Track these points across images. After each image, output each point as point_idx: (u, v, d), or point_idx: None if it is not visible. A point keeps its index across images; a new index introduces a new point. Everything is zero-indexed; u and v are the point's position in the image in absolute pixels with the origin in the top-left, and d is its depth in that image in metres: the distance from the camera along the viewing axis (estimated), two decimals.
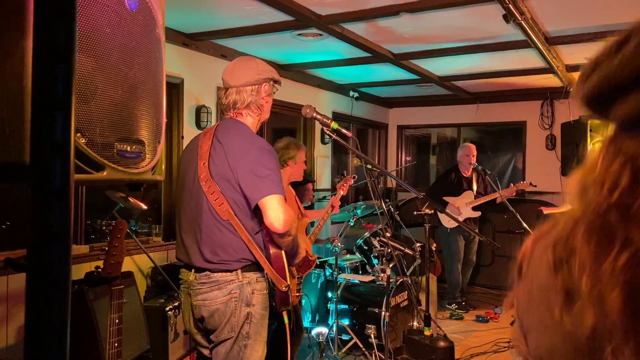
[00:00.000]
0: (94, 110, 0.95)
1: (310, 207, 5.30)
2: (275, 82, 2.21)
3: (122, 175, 1.00)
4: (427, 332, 2.86)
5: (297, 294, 3.17)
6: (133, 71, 1.03)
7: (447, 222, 5.36)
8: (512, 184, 5.43)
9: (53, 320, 0.47)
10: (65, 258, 0.47)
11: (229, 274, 2.01)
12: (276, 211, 1.88)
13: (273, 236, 1.97)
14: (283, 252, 2.04)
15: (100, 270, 1.62)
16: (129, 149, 1.02)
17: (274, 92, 2.24)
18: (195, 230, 2.08)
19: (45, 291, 0.47)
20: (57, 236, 0.47)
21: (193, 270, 2.08)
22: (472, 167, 5.52)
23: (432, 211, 2.79)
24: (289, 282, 2.02)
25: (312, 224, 3.77)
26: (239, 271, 2.01)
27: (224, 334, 2.02)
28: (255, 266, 2.03)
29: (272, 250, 2.02)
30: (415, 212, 3.35)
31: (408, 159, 7.64)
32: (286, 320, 2.13)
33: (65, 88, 0.47)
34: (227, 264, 2.01)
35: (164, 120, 1.17)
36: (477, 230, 5.15)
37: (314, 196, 5.26)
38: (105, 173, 0.95)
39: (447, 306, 5.46)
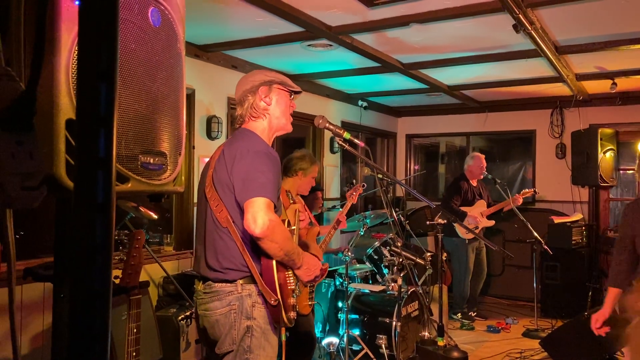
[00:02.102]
0: (120, 123, 0.97)
1: (320, 216, 5.31)
2: (281, 84, 2.16)
3: (145, 187, 1.02)
4: (440, 343, 2.84)
5: (310, 303, 3.16)
6: (156, 85, 1.05)
7: (465, 234, 5.33)
8: (517, 194, 5.41)
9: (95, 330, 0.48)
10: (107, 269, 0.49)
11: (228, 284, 1.98)
12: (254, 214, 1.82)
13: (255, 241, 1.89)
14: (274, 263, 1.95)
15: (118, 279, 1.64)
16: (152, 161, 1.04)
17: (292, 98, 2.20)
18: (202, 239, 2.09)
19: (89, 302, 0.48)
20: (100, 248, 0.48)
21: (201, 280, 2.08)
22: (482, 176, 5.52)
23: (445, 221, 2.79)
24: (279, 297, 1.94)
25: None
26: (239, 282, 1.97)
27: (225, 347, 1.99)
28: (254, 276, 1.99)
29: (263, 260, 1.96)
30: (428, 222, 3.34)
31: (416, 167, 7.64)
32: (283, 338, 2.08)
33: (107, 106, 0.49)
34: (227, 273, 1.98)
35: (184, 132, 1.19)
36: (488, 240, 5.12)
37: (323, 204, 5.26)
38: (130, 185, 0.98)
39: (453, 316, 5.43)
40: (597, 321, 2.63)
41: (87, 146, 0.49)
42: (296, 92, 2.22)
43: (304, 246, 2.29)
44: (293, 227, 2.17)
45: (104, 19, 0.49)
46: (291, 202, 3.14)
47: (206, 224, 2.06)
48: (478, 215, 5.40)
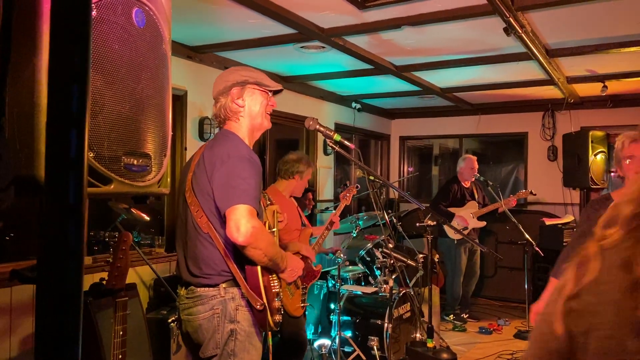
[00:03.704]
0: (102, 124, 0.96)
1: (312, 216, 5.30)
2: (256, 84, 2.10)
3: (128, 189, 1.01)
4: (430, 344, 2.85)
5: (302, 305, 3.15)
6: (140, 86, 1.05)
7: (454, 234, 5.35)
8: (511, 195, 5.43)
9: (65, 333, 0.48)
10: (78, 272, 0.49)
11: (211, 289, 1.96)
12: (237, 221, 1.80)
13: (239, 248, 1.88)
14: (259, 268, 1.94)
15: (104, 281, 1.63)
16: (135, 162, 1.04)
17: (271, 95, 2.14)
18: (183, 244, 2.06)
19: (59, 305, 0.48)
20: (71, 250, 0.48)
21: (184, 285, 2.06)
22: (474, 178, 5.54)
23: (435, 222, 2.79)
24: (264, 301, 1.93)
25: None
26: (222, 286, 1.95)
27: (208, 351, 1.97)
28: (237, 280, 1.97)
29: (247, 266, 1.94)
30: (417, 224, 3.35)
31: (410, 169, 7.65)
32: (270, 342, 2.07)
33: (79, 107, 0.49)
34: (209, 277, 1.96)
35: (170, 134, 1.19)
36: (477, 241, 5.13)
37: (314, 206, 5.26)
38: (112, 186, 0.97)
39: (445, 317, 5.45)
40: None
41: (58, 147, 0.49)
42: (275, 92, 2.17)
43: (285, 248, 2.28)
44: (274, 230, 2.15)
45: (76, 20, 0.49)
46: (268, 203, 3.14)
47: (187, 228, 2.03)
48: (467, 215, 5.42)
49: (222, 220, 1.91)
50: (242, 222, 1.80)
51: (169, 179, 1.21)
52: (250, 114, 2.11)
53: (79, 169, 0.49)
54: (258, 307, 1.92)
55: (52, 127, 0.49)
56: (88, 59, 0.49)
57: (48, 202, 0.49)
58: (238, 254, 1.93)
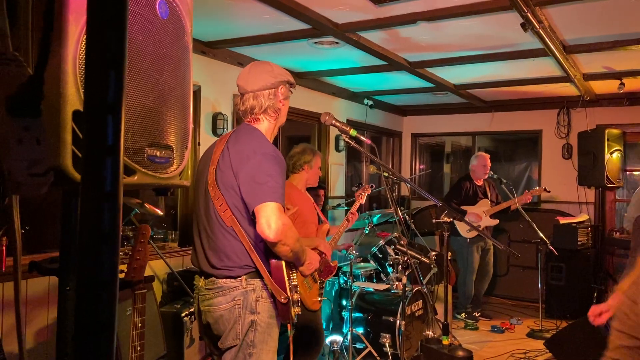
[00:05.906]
0: (126, 115, 0.96)
1: (323, 213, 5.30)
2: (290, 85, 2.17)
3: (151, 180, 1.01)
4: (445, 342, 2.83)
5: (320, 299, 3.16)
6: (163, 78, 1.05)
7: (467, 233, 5.31)
8: (526, 191, 5.38)
9: (102, 318, 0.48)
10: (114, 258, 0.48)
11: (233, 280, 1.99)
12: (268, 219, 1.84)
13: (268, 244, 1.92)
14: (283, 263, 1.99)
15: (122, 274, 1.64)
16: (158, 154, 1.04)
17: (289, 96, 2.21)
18: (203, 236, 2.08)
19: (95, 290, 0.48)
20: (107, 236, 0.48)
21: (202, 276, 2.09)
22: (487, 176, 5.49)
23: (451, 219, 2.77)
24: (289, 294, 1.97)
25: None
26: (244, 278, 1.98)
27: (228, 341, 2.00)
28: (260, 273, 2.00)
29: (273, 260, 1.98)
30: (433, 220, 3.34)
31: (422, 167, 7.62)
32: (290, 334, 2.10)
33: (115, 93, 0.49)
34: (231, 270, 1.99)
35: (191, 126, 1.19)
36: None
37: (325, 203, 5.25)
38: (136, 177, 0.97)
39: (457, 315, 5.42)
40: (597, 309, 2.62)
41: (95, 134, 0.48)
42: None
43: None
44: None
45: (113, 6, 0.49)
46: None
47: (209, 221, 2.05)
48: (480, 213, 5.38)
49: (248, 215, 1.95)
50: (272, 220, 1.84)
51: (189, 172, 1.21)
52: (283, 113, 2.16)
53: (116, 156, 0.48)
54: (282, 300, 1.96)
55: (89, 114, 0.48)
56: (124, 45, 0.49)
57: (84, 189, 0.49)
58: (263, 248, 1.97)
